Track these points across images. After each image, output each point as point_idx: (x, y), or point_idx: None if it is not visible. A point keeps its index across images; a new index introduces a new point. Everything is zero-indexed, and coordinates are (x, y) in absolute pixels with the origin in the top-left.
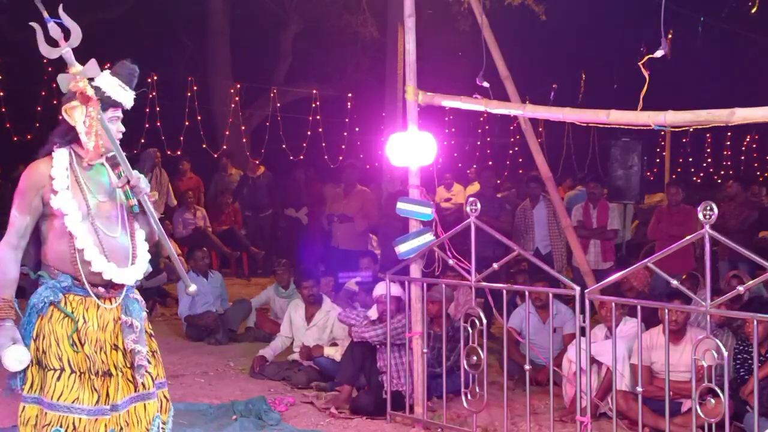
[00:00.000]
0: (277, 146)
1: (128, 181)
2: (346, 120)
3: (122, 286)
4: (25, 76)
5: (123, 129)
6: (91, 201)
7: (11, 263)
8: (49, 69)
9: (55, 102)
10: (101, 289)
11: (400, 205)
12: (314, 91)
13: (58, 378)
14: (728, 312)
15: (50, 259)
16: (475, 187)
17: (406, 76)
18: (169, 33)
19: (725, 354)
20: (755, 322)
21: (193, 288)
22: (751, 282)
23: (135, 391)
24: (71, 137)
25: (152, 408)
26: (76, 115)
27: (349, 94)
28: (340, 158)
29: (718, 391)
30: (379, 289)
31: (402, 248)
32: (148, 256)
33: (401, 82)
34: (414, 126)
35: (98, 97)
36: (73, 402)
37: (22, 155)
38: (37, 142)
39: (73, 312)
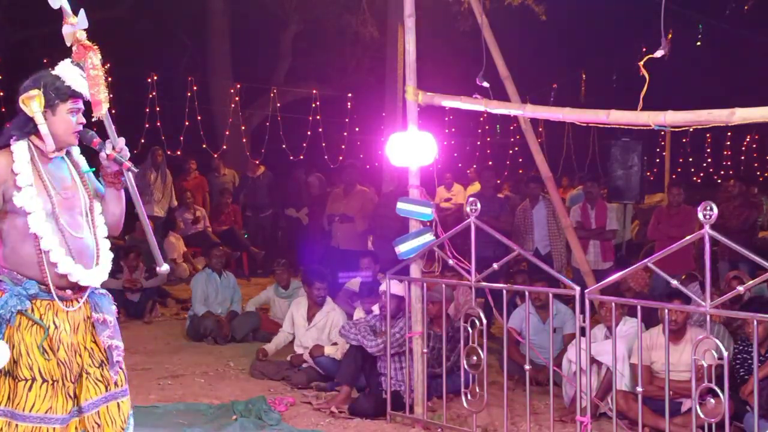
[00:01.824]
0: (277, 146)
1: (113, 147)
2: (346, 120)
3: (86, 288)
4: (26, 76)
5: (83, 121)
6: (54, 197)
7: None
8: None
9: None
10: (68, 292)
11: (400, 205)
12: (314, 91)
13: (30, 388)
14: (728, 312)
15: (12, 262)
16: (475, 187)
17: (406, 76)
18: (169, 33)
19: (725, 354)
20: (755, 322)
21: (164, 267)
22: (751, 282)
23: (106, 390)
24: (29, 129)
25: (126, 406)
26: (33, 105)
27: (349, 94)
28: (340, 158)
29: (718, 391)
30: (385, 286)
31: (402, 248)
32: (111, 255)
33: (401, 82)
34: (414, 126)
35: (57, 86)
36: (45, 412)
37: None
38: None
39: (42, 318)
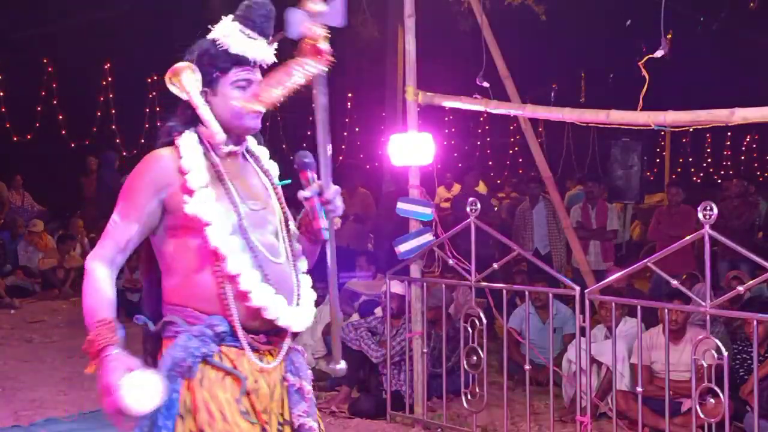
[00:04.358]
0: (277, 146)
1: (321, 192)
2: (346, 120)
3: (284, 333)
4: (25, 76)
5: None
6: (241, 207)
7: (107, 281)
8: (49, 69)
9: (55, 102)
10: (261, 337)
11: (401, 205)
12: (314, 91)
13: None
14: (728, 312)
15: (184, 296)
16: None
17: (406, 76)
18: (170, 33)
19: (725, 354)
20: (755, 322)
21: (339, 366)
22: (751, 282)
23: None
24: (191, 117)
25: None
26: (185, 80)
27: (349, 94)
28: (341, 158)
29: (718, 391)
30: (385, 287)
31: (402, 248)
32: (314, 295)
33: (401, 82)
34: (414, 126)
35: (213, 53)
36: None
37: (22, 155)
38: (38, 142)
39: (235, 368)
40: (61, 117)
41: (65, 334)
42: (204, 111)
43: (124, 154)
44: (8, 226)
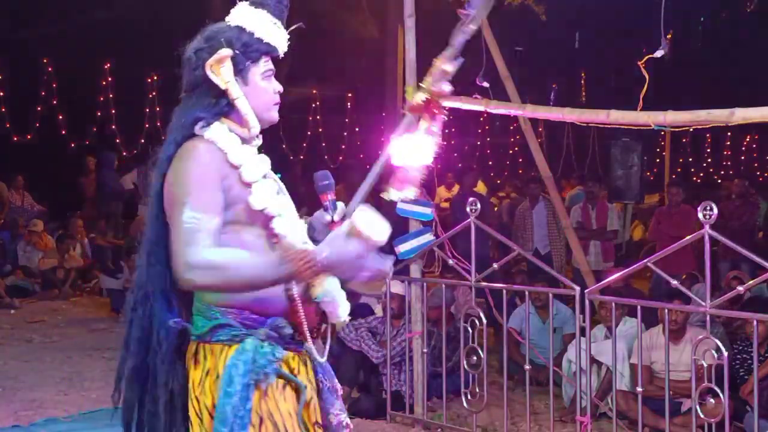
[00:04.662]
0: (278, 146)
1: (344, 217)
2: (346, 120)
3: (326, 330)
4: (25, 76)
5: (280, 88)
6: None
7: (225, 250)
8: (49, 69)
9: (55, 102)
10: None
11: (401, 205)
12: (314, 91)
13: None
14: (728, 312)
15: (240, 297)
16: (478, 187)
17: (406, 76)
18: (169, 33)
19: (725, 353)
20: (755, 322)
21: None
22: (751, 282)
23: None
24: (221, 108)
25: None
26: (225, 71)
27: (349, 94)
28: (340, 158)
29: (718, 391)
30: (384, 287)
31: (402, 248)
32: None
33: (401, 82)
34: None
35: (245, 41)
36: None
37: (22, 155)
38: (38, 142)
39: (296, 375)
40: (61, 117)
41: (65, 334)
42: (243, 102)
43: (124, 154)
44: (8, 226)
